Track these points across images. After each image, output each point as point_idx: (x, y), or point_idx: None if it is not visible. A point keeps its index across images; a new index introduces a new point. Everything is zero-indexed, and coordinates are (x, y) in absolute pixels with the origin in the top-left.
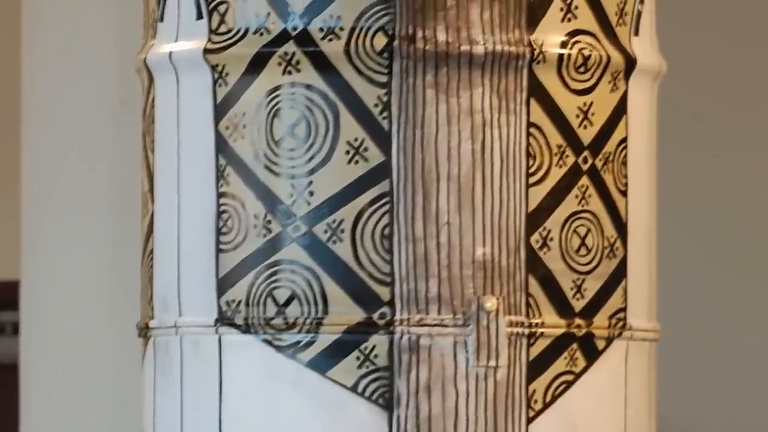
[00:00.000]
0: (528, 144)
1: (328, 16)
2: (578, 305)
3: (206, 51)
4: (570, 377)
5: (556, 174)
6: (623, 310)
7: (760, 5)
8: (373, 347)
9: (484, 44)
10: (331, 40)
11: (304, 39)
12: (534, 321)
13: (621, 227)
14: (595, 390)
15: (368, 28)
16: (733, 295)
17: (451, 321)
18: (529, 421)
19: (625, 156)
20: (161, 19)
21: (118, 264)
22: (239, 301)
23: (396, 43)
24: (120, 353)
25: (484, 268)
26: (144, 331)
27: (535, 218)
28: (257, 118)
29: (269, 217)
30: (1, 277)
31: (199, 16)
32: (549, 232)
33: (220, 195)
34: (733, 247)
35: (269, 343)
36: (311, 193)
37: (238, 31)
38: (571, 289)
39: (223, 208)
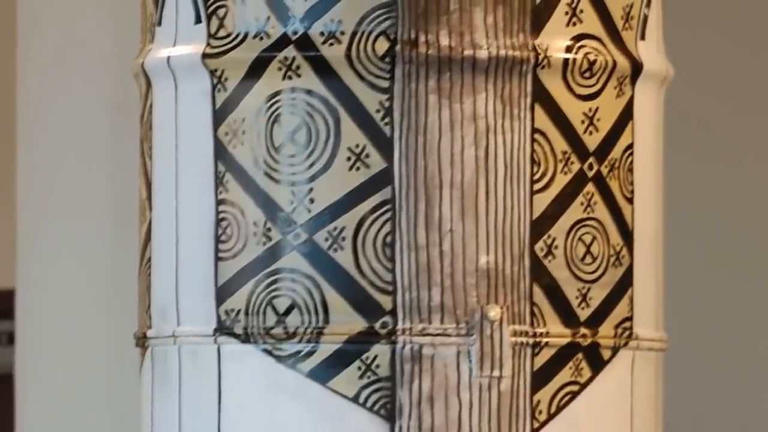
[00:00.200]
0: (532, 150)
1: (329, 20)
2: (583, 314)
3: (205, 56)
4: (575, 388)
5: (561, 181)
6: (629, 319)
7: None
8: (375, 357)
9: (488, 49)
10: (332, 44)
11: (304, 43)
12: (538, 330)
13: (627, 235)
14: (600, 401)
15: (370, 33)
16: (741, 303)
17: (454, 330)
18: None
19: (631, 162)
20: (159, 23)
21: (115, 272)
22: (238, 311)
23: (398, 47)
24: (117, 363)
25: (487, 276)
26: (142, 341)
27: (540, 226)
28: (257, 124)
29: (269, 224)
30: None
31: (198, 20)
32: (554, 239)
33: (219, 202)
34: (742, 255)
35: (269, 353)
36: (312, 201)
37: (237, 36)
38: (577, 297)
39: (222, 215)
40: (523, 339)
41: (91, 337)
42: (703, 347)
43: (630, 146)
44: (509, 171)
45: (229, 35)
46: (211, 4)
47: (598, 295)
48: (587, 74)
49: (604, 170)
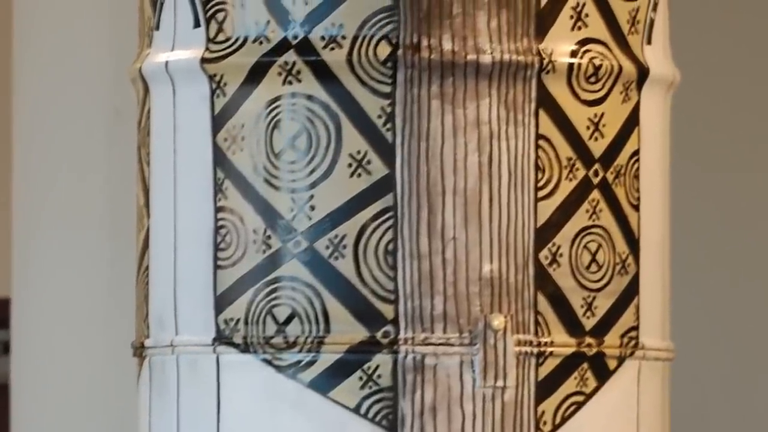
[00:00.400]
0: (537, 156)
1: (329, 24)
2: (589, 324)
3: (204, 60)
4: (580, 398)
5: (566, 188)
6: (635, 328)
7: None
8: (377, 367)
9: (492, 53)
10: (333, 49)
11: (305, 48)
12: (543, 340)
13: (633, 243)
14: (606, 411)
15: (371, 37)
16: (750, 312)
17: (457, 340)
18: None
19: (638, 169)
20: (157, 27)
21: (112, 281)
22: (238, 320)
23: (400, 52)
24: (115, 373)
25: (491, 285)
26: (139, 351)
27: (544, 233)
28: (256, 129)
29: (269, 232)
30: None
31: (197, 24)
32: (558, 247)
33: (218, 209)
34: (751, 264)
35: (269, 362)
36: (312, 208)
37: (236, 40)
38: (582, 306)
39: (221, 223)
40: (528, 348)
41: (87, 347)
42: (710, 357)
43: (636, 152)
44: (513, 178)
45: (228, 39)
46: (210, 8)
47: (603, 303)
48: (592, 79)
49: (610, 177)
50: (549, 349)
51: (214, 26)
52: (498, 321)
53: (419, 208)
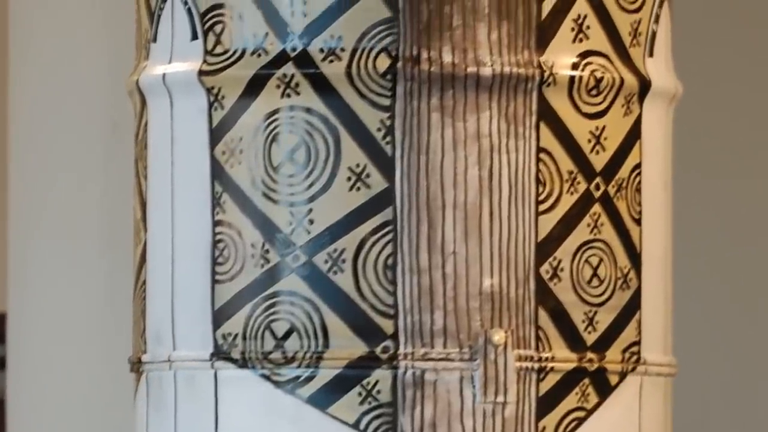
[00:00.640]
0: (537, 170)
1: (328, 37)
2: (590, 339)
3: (201, 73)
4: (581, 414)
5: (567, 201)
6: (637, 343)
7: None
8: (376, 382)
9: (492, 66)
10: (331, 61)
11: (303, 60)
12: (544, 355)
13: (635, 257)
14: (607, 427)
15: (371, 49)
16: (753, 328)
17: (457, 355)
18: None
19: (639, 182)
20: (154, 40)
21: (109, 296)
22: (236, 335)
23: (400, 64)
24: (112, 389)
25: (491, 299)
26: (136, 366)
27: (545, 248)
28: (255, 142)
29: (267, 246)
30: None
31: (194, 37)
32: (560, 262)
33: (215, 223)
34: (754, 278)
35: (267, 378)
36: (311, 222)
37: (234, 52)
38: (583, 321)
39: (219, 237)
40: (528, 364)
41: (84, 362)
42: (712, 372)
43: (638, 166)
44: (514, 191)
45: (226, 52)
46: (208, 20)
47: (605, 318)
48: (594, 92)
49: (612, 190)
50: (550, 365)
51: (211, 38)
52: (498, 336)
53: (419, 222)
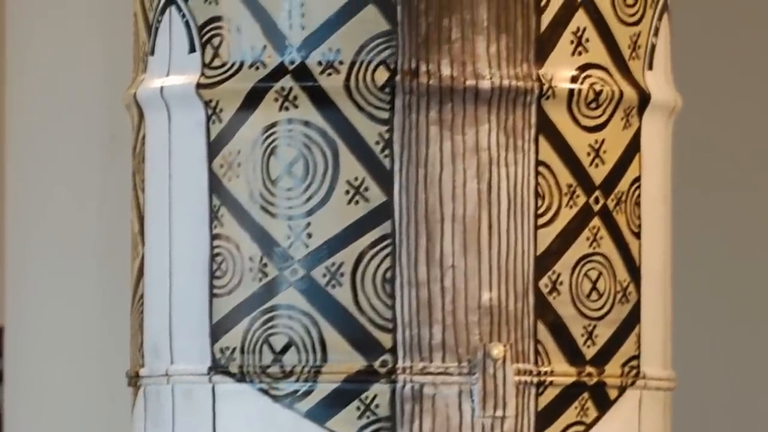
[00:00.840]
0: (536, 183)
1: (327, 50)
2: (589, 353)
3: (199, 86)
4: (581, 428)
5: (566, 215)
6: (636, 357)
7: None
8: (375, 396)
9: (491, 79)
10: (330, 74)
11: (301, 73)
12: (543, 369)
13: (634, 271)
14: None
15: (369, 62)
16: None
17: (456, 369)
18: None
19: (639, 196)
20: (152, 53)
21: (106, 309)
22: (234, 348)
23: (398, 77)
24: (109, 403)
25: (490, 313)
26: (134, 380)
27: (544, 261)
28: (253, 156)
29: (265, 260)
30: None
31: (192, 49)
32: (559, 275)
33: (213, 237)
34: (754, 292)
35: (265, 392)
36: (309, 235)
37: (232, 65)
38: (582, 335)
39: (216, 250)
40: (527, 378)
41: (81, 376)
42: (712, 386)
43: (637, 179)
44: (512, 205)
45: (224, 65)
46: (206, 33)
47: (604, 332)
48: (593, 105)
49: (611, 204)
50: (549, 379)
51: (209, 51)
52: (497, 350)
53: (417, 236)
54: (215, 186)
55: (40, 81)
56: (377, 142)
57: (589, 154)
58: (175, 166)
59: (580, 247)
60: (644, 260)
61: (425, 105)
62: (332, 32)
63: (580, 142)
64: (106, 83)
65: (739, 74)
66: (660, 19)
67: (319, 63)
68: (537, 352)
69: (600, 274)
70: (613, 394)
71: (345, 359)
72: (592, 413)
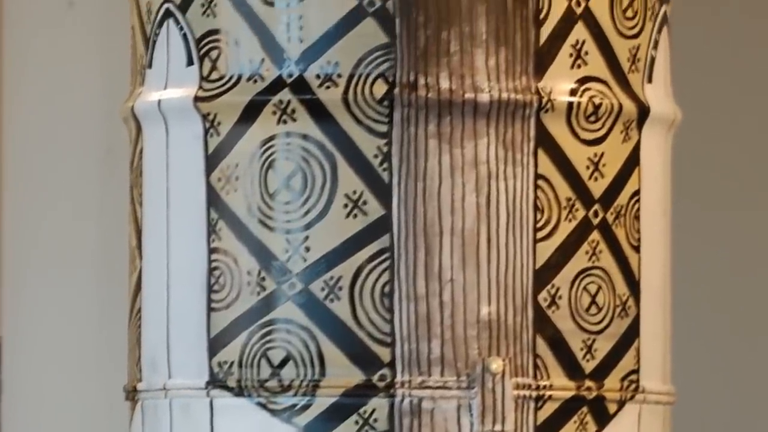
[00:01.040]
0: (535, 197)
1: (325, 63)
2: (588, 367)
3: (197, 99)
4: None
5: (565, 228)
6: (636, 371)
7: None
8: (373, 411)
9: (490, 92)
10: (328, 87)
11: (300, 86)
12: (542, 383)
13: (633, 284)
14: None
15: (367, 75)
16: (754, 357)
17: (454, 383)
18: None
19: (638, 209)
20: (150, 66)
21: (104, 323)
22: (232, 362)
23: (397, 90)
24: (107, 417)
25: (489, 327)
26: (132, 394)
27: (543, 275)
28: (251, 169)
29: (263, 273)
30: None
31: (190, 62)
32: (558, 289)
33: (211, 251)
34: (754, 307)
35: (263, 406)
36: (307, 249)
37: (230, 78)
38: (581, 349)
39: (214, 264)
40: (526, 392)
41: (79, 390)
42: (711, 401)
43: (636, 193)
44: (511, 218)
45: (222, 78)
46: (204, 46)
47: (603, 346)
48: (592, 118)
49: (610, 217)
50: (548, 393)
51: (207, 64)
52: (496, 364)
53: (416, 250)
54: (213, 199)
55: (37, 94)
56: (376, 156)
57: (588, 168)
58: (172, 179)
59: (579, 260)
60: (644, 274)
61: (424, 118)
62: (330, 45)
63: (579, 155)
64: (104, 96)
65: (739, 87)
66: (659, 32)
67: (318, 76)
68: (536, 366)
69: (599, 287)
70: (612, 408)
71: (343, 373)
72: (592, 427)
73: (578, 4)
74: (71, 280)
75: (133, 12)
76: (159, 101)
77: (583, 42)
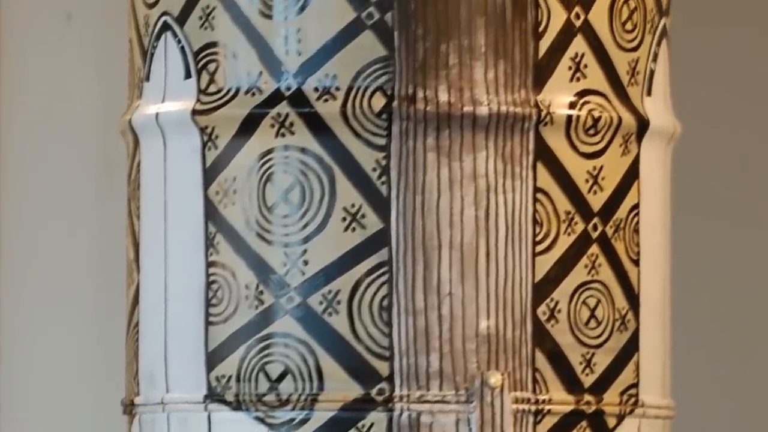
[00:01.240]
0: (534, 210)
1: (323, 76)
2: (588, 381)
3: (195, 112)
4: None
5: (565, 242)
6: (635, 386)
7: None
8: (371, 425)
9: (489, 105)
10: (326, 100)
11: (298, 99)
12: (541, 397)
13: (633, 298)
14: None
15: (366, 88)
16: (754, 371)
17: (453, 397)
18: None
19: (638, 223)
20: (147, 79)
21: (101, 337)
22: (230, 377)
23: (395, 103)
24: (104, 431)
25: (488, 341)
26: (129, 408)
27: (542, 289)
28: (249, 183)
29: (261, 287)
30: None
31: (188, 75)
32: (557, 303)
33: (209, 264)
34: (754, 320)
35: (261, 420)
36: (306, 263)
37: (228, 91)
38: (581, 363)
39: (212, 278)
40: (525, 406)
41: (77, 404)
42: (711, 415)
43: (636, 206)
44: (510, 232)
45: (219, 91)
46: (201, 59)
47: (602, 360)
48: (591, 131)
49: (609, 231)
50: (547, 407)
51: (205, 77)
52: (495, 378)
53: (415, 263)
54: (211, 213)
55: (35, 106)
56: (374, 169)
57: (587, 181)
58: (170, 192)
59: (578, 274)
60: (643, 288)
61: (422, 131)
62: (329, 58)
63: (578, 168)
64: (102, 109)
65: (738, 100)
66: (659, 45)
67: (316, 89)
68: (535, 381)
69: (598, 301)
70: (611, 422)
71: (341, 387)
72: None
73: (577, 16)
74: (69, 293)
75: (130, 25)
76: (157, 114)
77: (583, 55)
